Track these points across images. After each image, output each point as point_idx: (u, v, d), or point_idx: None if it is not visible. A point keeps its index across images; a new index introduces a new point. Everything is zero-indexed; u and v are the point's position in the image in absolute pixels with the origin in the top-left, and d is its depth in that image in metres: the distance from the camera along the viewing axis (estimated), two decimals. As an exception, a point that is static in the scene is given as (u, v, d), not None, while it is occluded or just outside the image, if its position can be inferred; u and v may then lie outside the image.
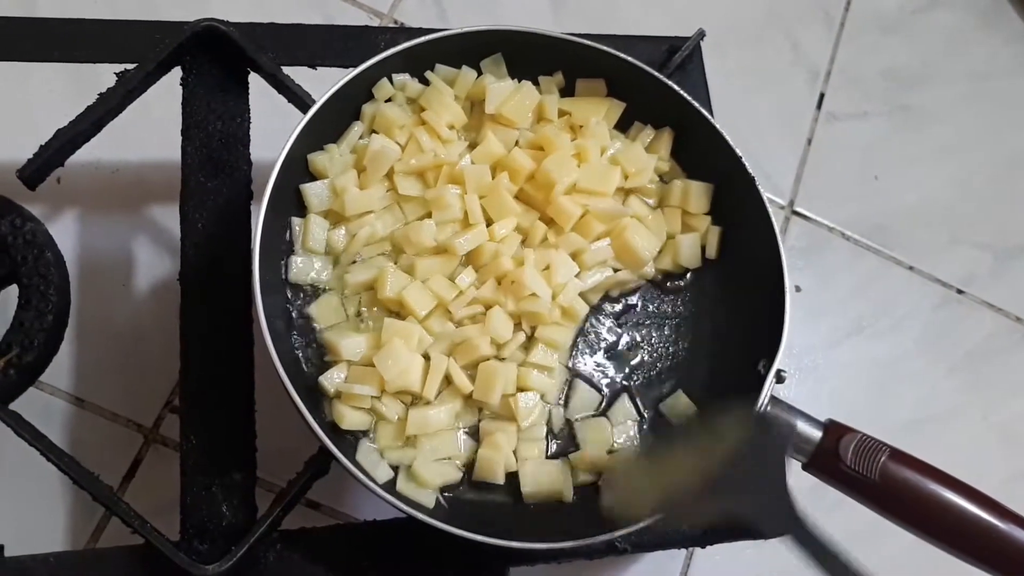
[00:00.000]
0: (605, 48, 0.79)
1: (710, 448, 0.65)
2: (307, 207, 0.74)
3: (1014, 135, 1.20)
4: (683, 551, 0.92)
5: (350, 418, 0.68)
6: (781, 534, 0.55)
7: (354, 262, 0.74)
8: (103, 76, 0.78)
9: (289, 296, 0.73)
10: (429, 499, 0.68)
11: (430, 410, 0.70)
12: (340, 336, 0.70)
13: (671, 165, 0.82)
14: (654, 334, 0.79)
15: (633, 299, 0.79)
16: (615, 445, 0.74)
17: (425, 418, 0.69)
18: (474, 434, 0.72)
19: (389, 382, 0.68)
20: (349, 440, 0.69)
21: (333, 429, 0.68)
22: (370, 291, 0.72)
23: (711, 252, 0.80)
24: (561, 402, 0.75)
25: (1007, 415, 1.05)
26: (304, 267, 0.73)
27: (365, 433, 0.70)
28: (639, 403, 0.76)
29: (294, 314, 0.72)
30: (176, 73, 0.80)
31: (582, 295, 0.76)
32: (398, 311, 0.72)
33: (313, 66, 0.84)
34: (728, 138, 0.78)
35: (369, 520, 0.74)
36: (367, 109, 0.77)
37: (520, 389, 0.72)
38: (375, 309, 0.72)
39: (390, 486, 0.68)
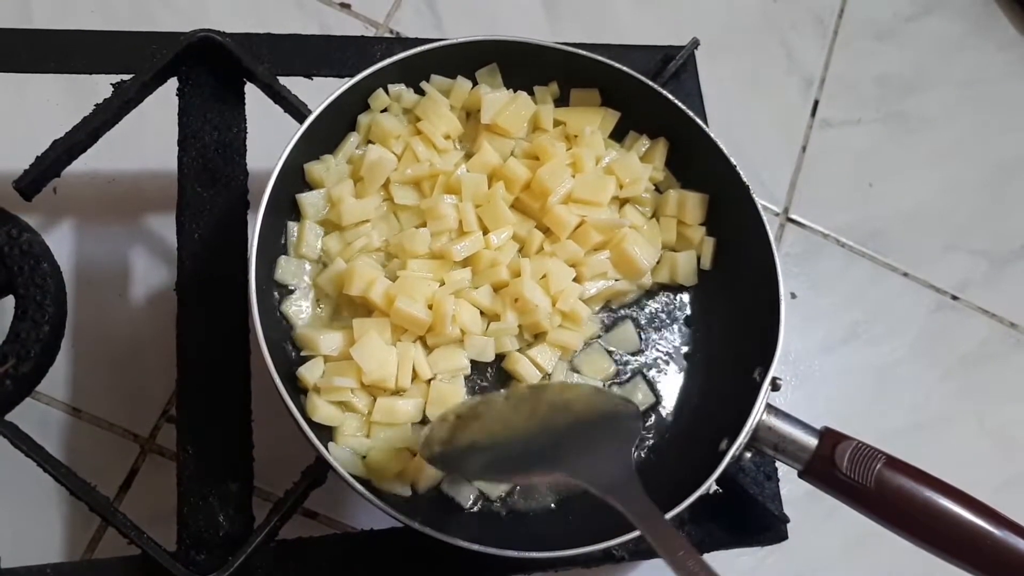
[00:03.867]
0: (599, 58, 0.79)
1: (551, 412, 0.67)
2: (303, 216, 0.74)
3: (1008, 141, 1.20)
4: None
5: (323, 411, 0.68)
6: (610, 492, 0.56)
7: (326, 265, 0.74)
8: (99, 87, 0.78)
9: (276, 295, 0.73)
10: (404, 489, 0.69)
11: (399, 400, 0.70)
12: (317, 332, 0.70)
13: (666, 174, 0.82)
14: (650, 342, 0.79)
15: (629, 309, 0.80)
16: None
17: (393, 407, 0.69)
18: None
19: (368, 373, 0.68)
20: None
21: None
22: (346, 295, 0.72)
23: (705, 263, 0.80)
24: None
25: (1002, 421, 1.05)
26: (288, 268, 0.73)
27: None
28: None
29: (277, 313, 0.72)
30: (172, 83, 0.80)
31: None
32: (370, 309, 0.72)
33: (309, 76, 0.84)
34: (723, 146, 0.78)
35: (367, 529, 0.74)
36: (363, 119, 0.78)
37: (509, 371, 0.73)
38: (347, 311, 0.73)
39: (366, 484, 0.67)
